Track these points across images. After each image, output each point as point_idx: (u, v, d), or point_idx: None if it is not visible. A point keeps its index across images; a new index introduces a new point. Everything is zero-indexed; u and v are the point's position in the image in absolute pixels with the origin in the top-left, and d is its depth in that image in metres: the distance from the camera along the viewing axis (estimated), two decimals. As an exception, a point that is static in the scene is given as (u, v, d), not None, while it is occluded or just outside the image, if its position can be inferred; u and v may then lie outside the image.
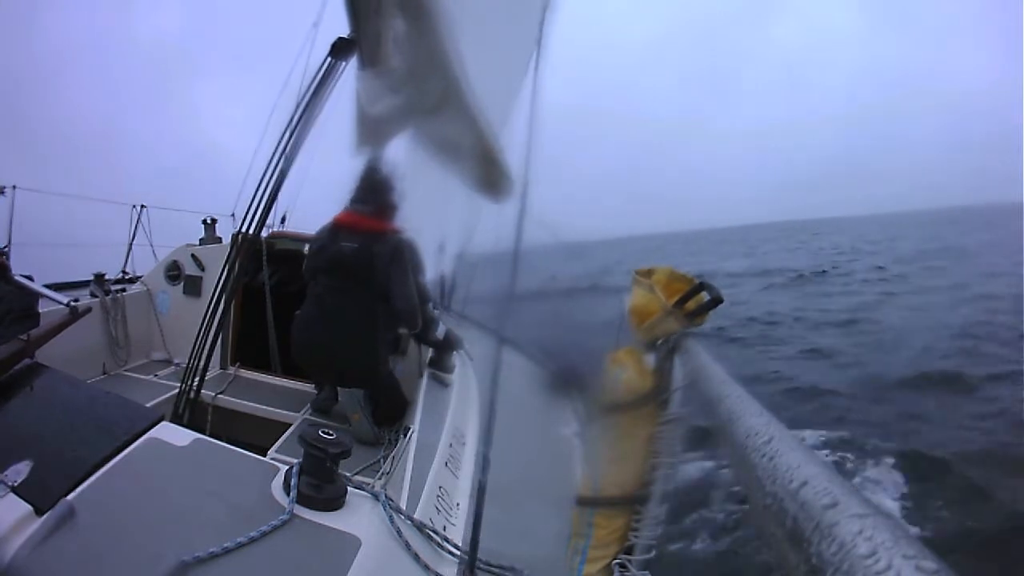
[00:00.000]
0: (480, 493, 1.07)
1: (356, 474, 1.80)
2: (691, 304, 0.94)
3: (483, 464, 1.12)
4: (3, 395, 1.17)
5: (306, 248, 2.83)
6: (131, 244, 3.59)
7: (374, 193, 2.15)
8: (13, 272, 1.68)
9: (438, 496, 1.42)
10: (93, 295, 2.63)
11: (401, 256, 2.08)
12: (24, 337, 1.35)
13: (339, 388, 2.17)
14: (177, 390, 2.11)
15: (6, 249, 2.94)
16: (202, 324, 2.10)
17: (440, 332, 2.39)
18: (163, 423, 1.13)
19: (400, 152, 2.21)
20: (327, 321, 2.09)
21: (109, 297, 2.65)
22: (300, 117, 2.16)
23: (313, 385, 2.46)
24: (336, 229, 2.15)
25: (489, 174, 1.88)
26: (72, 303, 1.75)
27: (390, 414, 2.18)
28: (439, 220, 2.40)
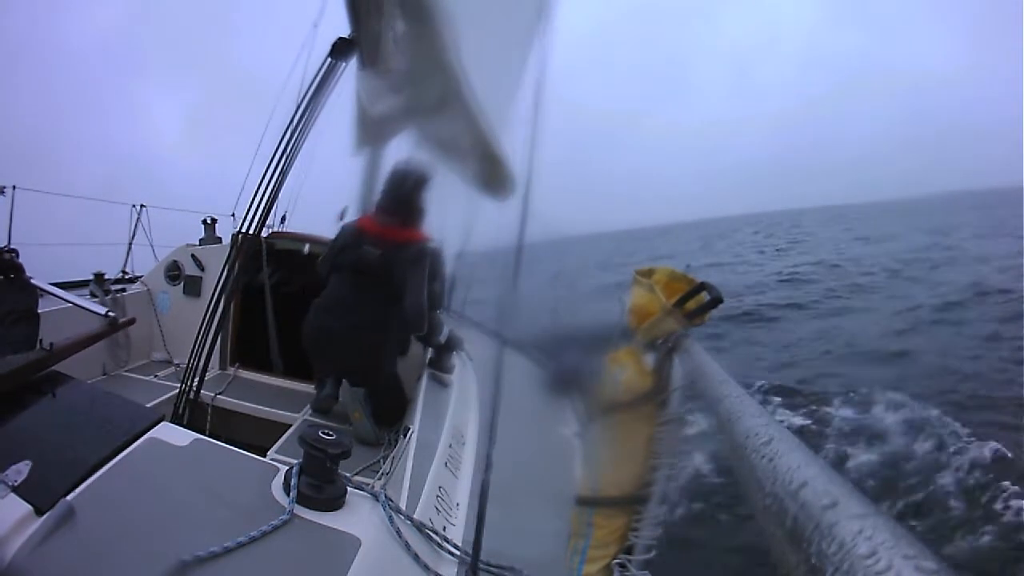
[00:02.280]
0: (483, 494, 1.06)
1: (356, 474, 1.80)
2: (691, 304, 0.94)
3: (487, 464, 1.11)
4: (19, 403, 1.16)
5: (306, 248, 2.83)
6: (131, 244, 3.59)
7: (400, 203, 2.16)
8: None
9: (438, 496, 1.42)
10: (93, 295, 2.62)
11: (422, 262, 2.11)
12: (47, 347, 1.31)
13: (340, 387, 2.17)
14: (177, 390, 2.11)
15: (13, 249, 2.93)
16: (202, 324, 2.10)
17: (443, 335, 2.40)
18: (163, 423, 1.13)
19: (417, 154, 2.21)
20: (341, 313, 2.12)
21: (109, 297, 2.65)
22: (301, 117, 2.17)
23: (313, 385, 2.46)
24: (360, 233, 2.16)
25: (491, 173, 1.88)
26: (111, 313, 1.72)
27: (391, 414, 2.19)
28: (439, 218, 2.40)
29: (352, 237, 2.16)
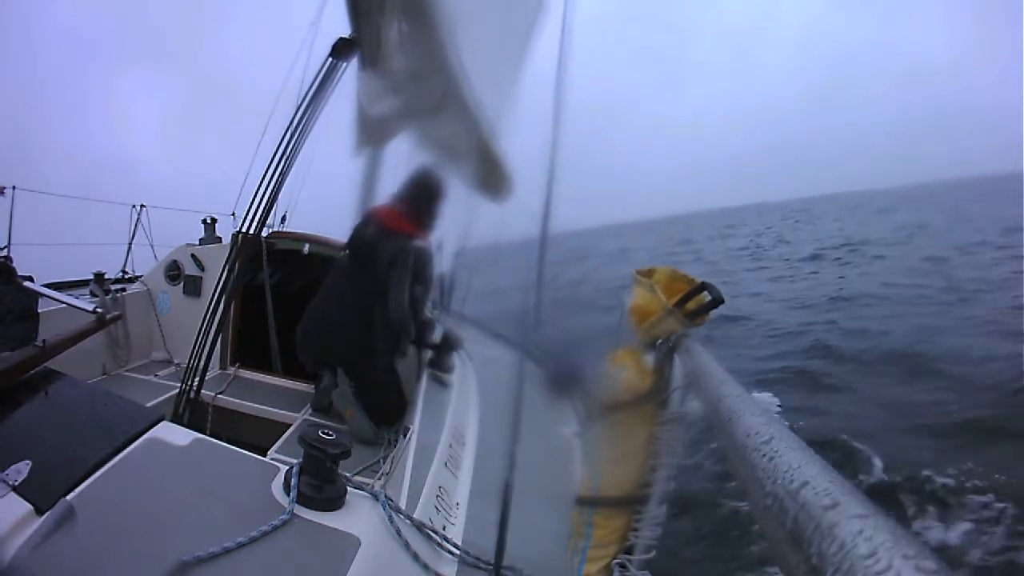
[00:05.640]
0: (506, 496, 1.02)
1: (356, 474, 1.80)
2: (691, 304, 0.94)
3: (509, 465, 1.06)
4: (14, 400, 1.16)
5: (306, 248, 2.84)
6: (131, 244, 3.59)
7: (415, 195, 2.19)
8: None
9: (437, 496, 1.42)
10: (93, 295, 2.62)
11: (404, 260, 2.07)
12: (40, 343, 1.31)
13: (337, 376, 2.17)
14: (177, 390, 2.11)
15: (5, 250, 2.93)
16: (202, 324, 2.10)
17: (437, 334, 2.39)
18: (163, 423, 1.13)
19: (418, 159, 2.23)
20: (329, 303, 2.15)
21: (109, 297, 2.65)
22: (301, 117, 2.17)
23: (313, 385, 2.46)
24: (369, 216, 2.21)
25: (489, 173, 1.88)
26: (99, 309, 1.74)
27: (390, 413, 2.18)
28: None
29: (362, 221, 2.21)
